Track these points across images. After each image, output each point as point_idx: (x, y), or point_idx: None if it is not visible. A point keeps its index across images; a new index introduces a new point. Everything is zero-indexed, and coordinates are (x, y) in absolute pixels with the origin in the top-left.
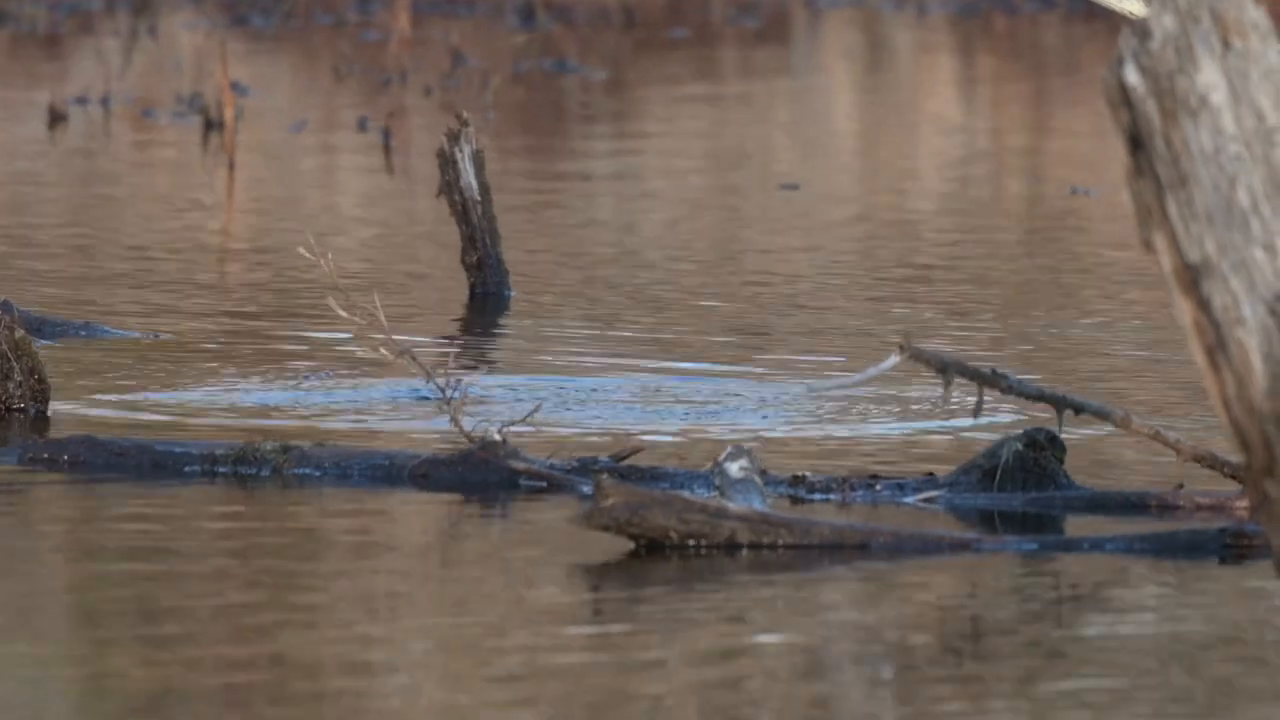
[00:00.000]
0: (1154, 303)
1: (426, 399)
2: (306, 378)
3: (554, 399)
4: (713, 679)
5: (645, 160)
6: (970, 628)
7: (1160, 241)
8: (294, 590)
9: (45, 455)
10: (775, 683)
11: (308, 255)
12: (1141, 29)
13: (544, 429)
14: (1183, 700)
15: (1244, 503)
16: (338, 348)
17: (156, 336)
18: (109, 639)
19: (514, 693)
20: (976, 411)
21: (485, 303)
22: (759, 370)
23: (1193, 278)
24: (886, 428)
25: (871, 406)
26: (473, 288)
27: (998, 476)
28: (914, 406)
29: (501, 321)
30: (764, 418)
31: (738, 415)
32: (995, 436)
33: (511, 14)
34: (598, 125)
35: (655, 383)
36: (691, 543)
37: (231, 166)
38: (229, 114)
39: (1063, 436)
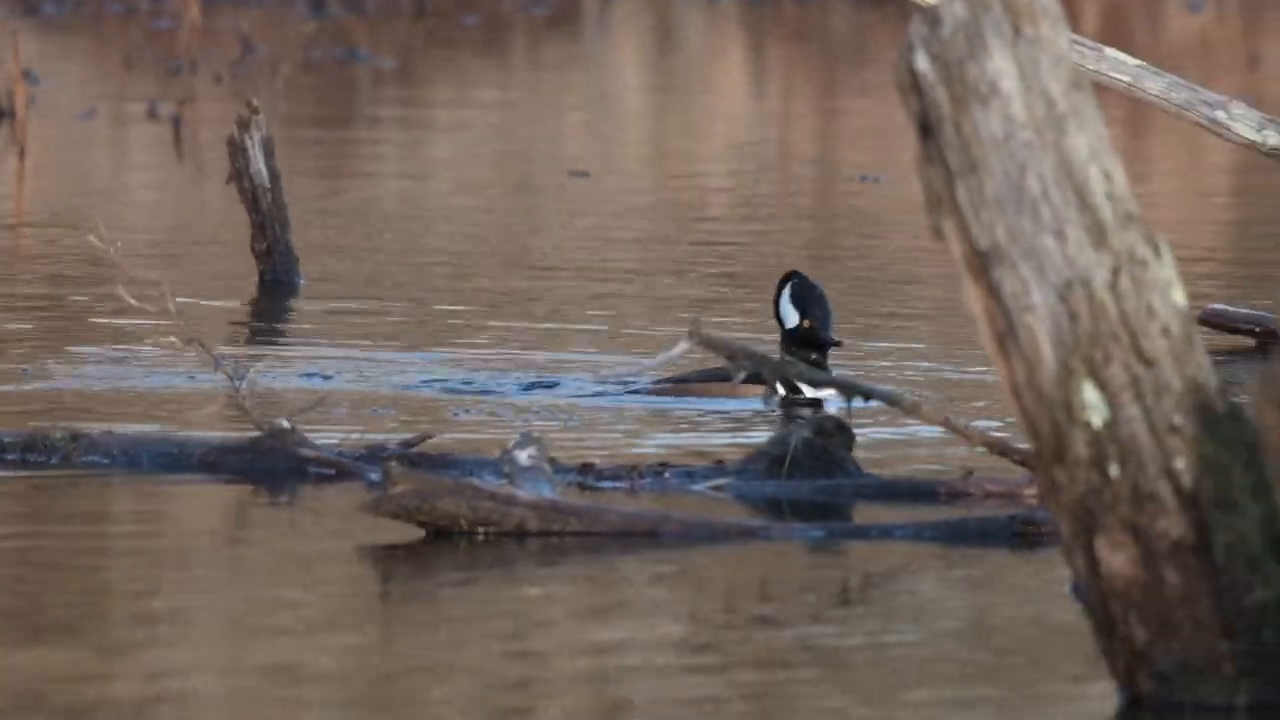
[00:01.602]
0: (944, 290)
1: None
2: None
3: (341, 387)
4: (499, 668)
5: (435, 149)
6: (756, 615)
7: (950, 228)
8: (78, 582)
9: None
10: (560, 671)
11: (98, 243)
12: (932, 16)
13: (333, 417)
14: (970, 684)
15: (1034, 490)
16: (128, 334)
17: None
18: None
19: (299, 685)
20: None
21: (275, 290)
22: (551, 358)
23: (983, 264)
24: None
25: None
26: (262, 275)
27: (786, 464)
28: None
29: (291, 308)
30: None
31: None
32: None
33: (302, 3)
34: (388, 114)
35: (444, 370)
36: (481, 530)
37: (22, 155)
38: (20, 103)
39: (852, 424)
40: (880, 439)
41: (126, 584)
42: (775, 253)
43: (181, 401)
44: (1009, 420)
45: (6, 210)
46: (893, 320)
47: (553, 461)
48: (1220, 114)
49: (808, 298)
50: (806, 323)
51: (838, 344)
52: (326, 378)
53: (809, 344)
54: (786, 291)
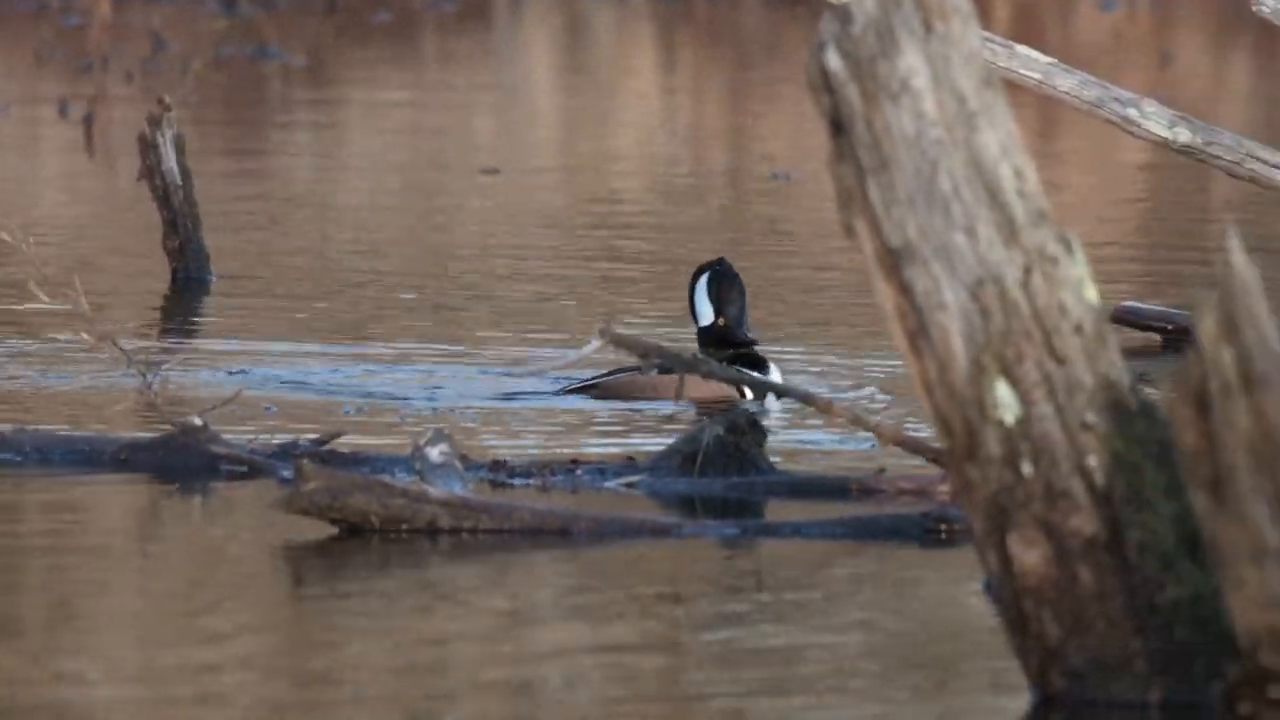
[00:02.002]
0: (856, 287)
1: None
2: None
3: (254, 385)
4: (410, 667)
5: (346, 146)
6: (668, 614)
7: (862, 226)
8: None
9: None
10: (471, 670)
11: (8, 239)
12: (843, 13)
13: (246, 415)
14: (882, 682)
15: (946, 487)
16: (41, 331)
17: None
18: None
19: (212, 684)
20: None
21: (187, 287)
22: (462, 356)
23: (894, 262)
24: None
25: None
26: (174, 272)
27: (698, 461)
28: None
29: (203, 306)
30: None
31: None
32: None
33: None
34: (299, 111)
35: (355, 367)
36: (393, 527)
37: None
38: None
39: (764, 421)
40: (793, 436)
41: (38, 583)
42: (686, 250)
43: (94, 399)
44: (923, 417)
45: None
46: (804, 318)
47: (464, 458)
48: (1132, 111)
49: (724, 292)
50: (721, 320)
51: (753, 342)
52: (240, 374)
53: (724, 342)
54: (703, 280)
